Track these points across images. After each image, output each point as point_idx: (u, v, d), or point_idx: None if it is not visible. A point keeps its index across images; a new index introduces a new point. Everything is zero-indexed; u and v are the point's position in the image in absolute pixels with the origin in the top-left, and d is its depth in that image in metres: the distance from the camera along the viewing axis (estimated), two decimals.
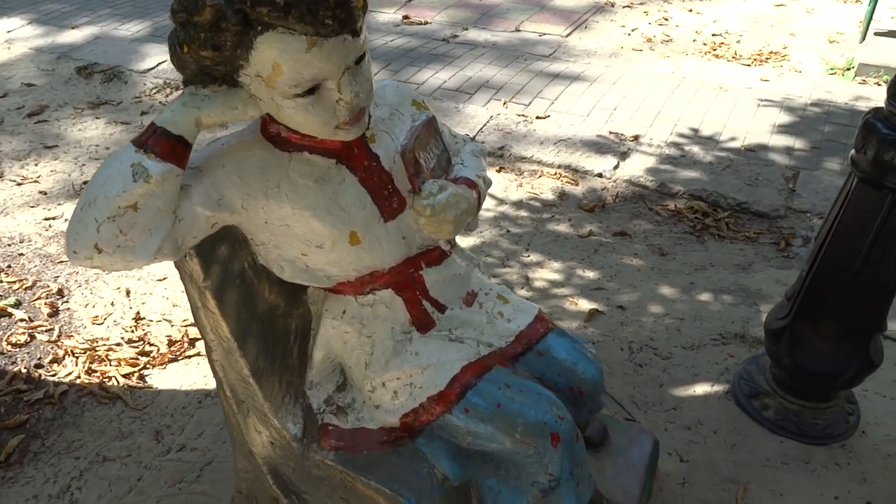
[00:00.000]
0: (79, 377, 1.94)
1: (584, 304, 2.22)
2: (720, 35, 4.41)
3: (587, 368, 1.20)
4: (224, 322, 1.09)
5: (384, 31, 4.48)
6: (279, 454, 1.25)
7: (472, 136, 3.26)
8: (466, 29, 4.53)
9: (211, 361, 1.19)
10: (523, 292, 2.29)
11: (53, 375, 1.94)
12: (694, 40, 4.35)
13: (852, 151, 1.38)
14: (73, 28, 4.58)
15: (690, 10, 4.85)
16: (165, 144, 0.88)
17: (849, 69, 3.83)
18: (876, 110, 1.34)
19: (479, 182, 1.15)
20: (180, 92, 0.93)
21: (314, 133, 0.97)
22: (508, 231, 2.64)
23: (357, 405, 1.21)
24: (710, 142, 3.17)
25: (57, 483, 1.65)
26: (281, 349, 1.21)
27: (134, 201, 0.87)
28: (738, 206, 2.74)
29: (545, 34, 4.44)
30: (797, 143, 3.14)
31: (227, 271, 1.09)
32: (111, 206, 0.86)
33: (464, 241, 2.55)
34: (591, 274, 2.38)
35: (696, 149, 3.11)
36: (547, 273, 2.39)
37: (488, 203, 2.79)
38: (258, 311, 1.16)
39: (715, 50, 4.15)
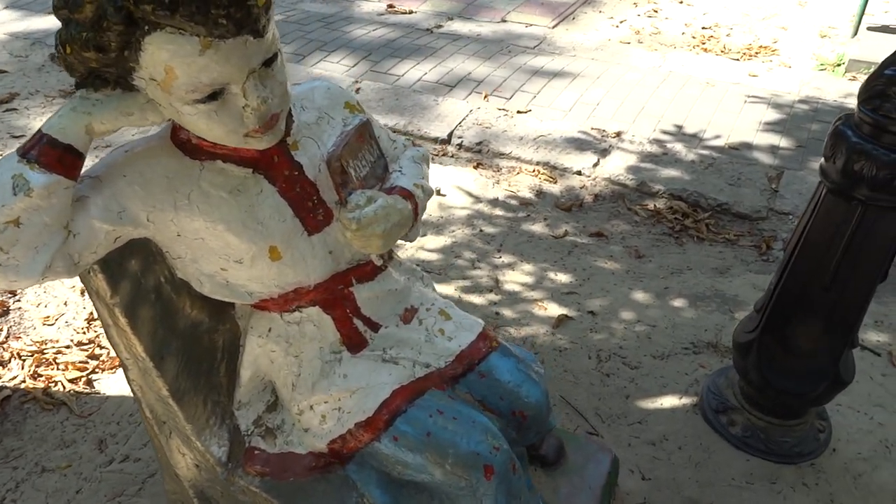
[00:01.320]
0: (24, 381, 1.86)
1: (554, 309, 2.15)
2: (710, 28, 4.31)
3: (531, 391, 1.13)
4: (137, 341, 1.02)
5: (366, 20, 4.37)
6: (205, 477, 1.18)
7: (450, 130, 3.17)
8: (451, 19, 4.43)
9: (128, 380, 1.12)
10: (491, 296, 2.21)
11: None
12: (683, 33, 4.25)
13: (822, 160, 1.30)
14: (49, 13, 4.46)
15: (681, 2, 4.75)
16: (51, 154, 0.80)
17: (839, 65, 3.75)
18: (847, 116, 1.26)
19: (415, 192, 1.07)
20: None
21: (221, 141, 0.89)
22: (481, 231, 2.56)
23: (286, 427, 1.14)
24: (693, 139, 3.09)
25: None
26: (206, 367, 1.14)
27: (15, 216, 0.79)
28: (718, 206, 2.66)
29: (531, 25, 4.34)
30: (783, 142, 3.06)
31: (140, 287, 1.01)
32: None
33: (433, 241, 2.47)
34: (563, 277, 2.31)
35: (678, 146, 3.03)
36: (518, 275, 2.32)
37: (462, 201, 2.72)
38: (178, 327, 1.09)
39: (704, 43, 4.06)
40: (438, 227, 2.56)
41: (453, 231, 2.55)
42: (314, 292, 1.04)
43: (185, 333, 1.10)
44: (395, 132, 3.34)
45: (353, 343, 1.09)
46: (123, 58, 0.77)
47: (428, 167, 1.19)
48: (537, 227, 2.59)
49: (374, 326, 1.10)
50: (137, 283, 1.01)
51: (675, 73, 3.68)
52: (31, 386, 1.85)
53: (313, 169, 0.99)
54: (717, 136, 3.11)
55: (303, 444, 1.11)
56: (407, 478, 1.04)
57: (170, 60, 0.77)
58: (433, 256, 2.41)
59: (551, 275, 2.32)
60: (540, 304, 2.18)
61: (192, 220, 0.94)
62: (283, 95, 0.88)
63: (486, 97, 3.45)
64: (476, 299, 2.20)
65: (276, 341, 1.08)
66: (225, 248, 0.96)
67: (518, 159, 3.01)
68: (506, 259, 2.40)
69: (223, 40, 0.76)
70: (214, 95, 0.81)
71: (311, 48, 3.97)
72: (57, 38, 0.78)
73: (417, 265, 2.34)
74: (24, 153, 0.80)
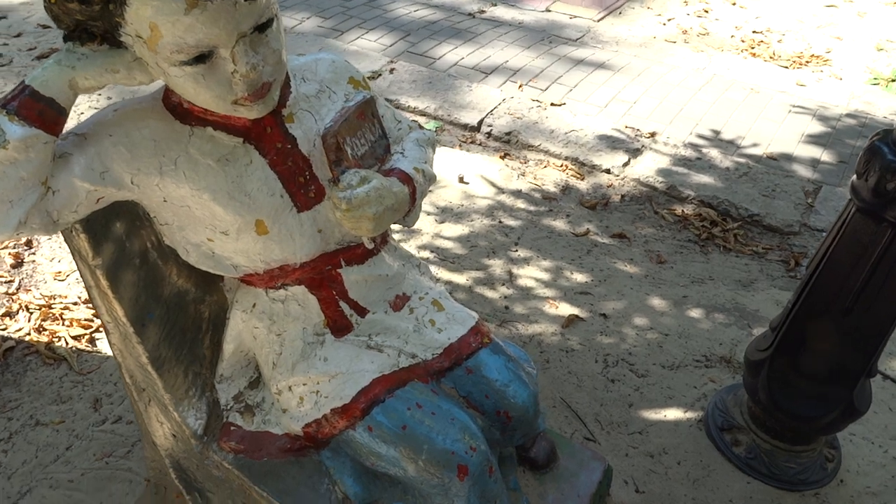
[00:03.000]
0: (28, 334, 1.88)
1: (565, 308, 2.09)
2: (761, 33, 4.15)
3: (518, 392, 1.08)
4: (118, 305, 1.00)
5: None
6: (180, 448, 1.16)
7: (481, 118, 3.11)
8: (495, 5, 4.35)
9: (110, 344, 1.10)
10: (504, 289, 2.16)
11: (3, 330, 1.89)
12: (732, 36, 4.10)
13: (853, 177, 1.22)
14: None
15: (734, 4, 4.59)
16: (32, 106, 0.78)
17: (893, 80, 3.57)
18: (886, 132, 1.18)
19: (415, 176, 1.03)
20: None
21: (208, 107, 0.85)
22: (501, 222, 2.51)
23: (266, 406, 1.11)
24: (730, 146, 2.98)
25: None
26: (190, 338, 1.12)
27: None
28: (749, 217, 2.56)
29: (576, 17, 4.23)
30: (824, 156, 2.94)
31: (124, 250, 0.99)
32: None
33: (451, 229, 2.43)
34: (579, 276, 2.25)
35: (714, 152, 2.92)
36: (533, 271, 2.26)
37: (485, 191, 2.66)
38: (163, 295, 1.06)
39: (753, 48, 3.91)
40: (458, 215, 2.51)
41: (472, 220, 2.50)
42: (300, 271, 1.00)
43: (170, 301, 1.08)
44: (424, 116, 3.30)
45: (338, 326, 1.05)
46: (108, 11, 0.75)
47: (433, 151, 1.14)
48: (558, 223, 2.52)
49: (361, 311, 1.06)
50: (122, 247, 0.99)
51: (718, 76, 3.55)
52: (34, 339, 1.87)
53: (308, 143, 0.96)
54: (756, 145, 2.99)
55: (279, 424, 1.08)
56: (380, 470, 1.00)
57: (154, 17, 0.74)
58: (449, 244, 2.36)
59: (567, 273, 2.26)
60: (552, 301, 2.12)
61: (177, 187, 0.91)
62: (277, 64, 0.84)
63: (520, 87, 3.37)
64: (488, 291, 2.16)
65: (259, 318, 1.06)
66: (211, 219, 0.93)
67: (546, 152, 2.95)
68: (522, 253, 2.35)
69: (210, 0, 0.73)
70: (202, 58, 0.78)
71: (350, 24, 3.94)
72: None
73: (433, 252, 2.31)
74: (4, 104, 0.78)
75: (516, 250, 2.36)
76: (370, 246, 1.04)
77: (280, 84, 0.88)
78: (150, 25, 0.75)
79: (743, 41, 4.03)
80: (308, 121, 0.96)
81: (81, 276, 1.01)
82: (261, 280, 1.02)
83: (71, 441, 1.62)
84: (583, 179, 2.80)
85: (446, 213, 2.52)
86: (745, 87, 3.46)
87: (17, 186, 0.79)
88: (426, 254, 2.30)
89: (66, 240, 0.96)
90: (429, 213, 2.51)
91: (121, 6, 0.74)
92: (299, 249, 0.98)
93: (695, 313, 2.10)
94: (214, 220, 0.94)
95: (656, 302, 2.15)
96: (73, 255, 0.98)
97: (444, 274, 2.21)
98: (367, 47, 3.68)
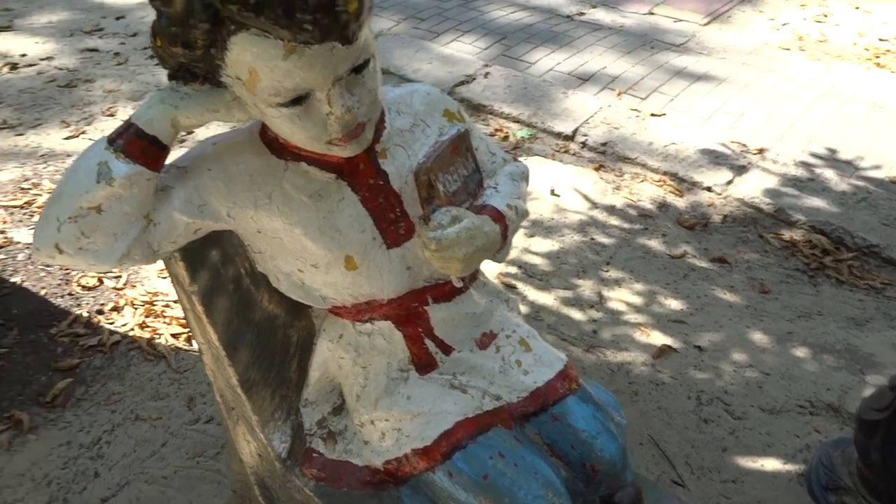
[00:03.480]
0: (132, 329, 1.98)
1: (657, 337, 2.00)
2: (888, 40, 3.83)
3: (606, 445, 1.03)
4: (212, 329, 1.02)
5: (507, 1, 4.26)
6: (265, 468, 1.18)
7: (576, 127, 3.03)
8: (595, 7, 4.22)
9: (203, 363, 1.13)
10: (592, 312, 2.09)
11: (111, 324, 2.00)
12: (854, 44, 3.80)
13: None
14: None
15: (857, 8, 4.25)
16: (136, 144, 0.80)
17: None
18: None
19: (507, 213, 0.99)
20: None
21: (303, 146, 0.85)
22: (593, 239, 2.43)
23: (348, 434, 1.11)
24: (847, 167, 2.76)
25: (90, 433, 1.69)
26: (278, 361, 1.13)
27: (97, 203, 0.80)
28: (867, 247, 2.36)
29: (680, 21, 4.05)
30: None
31: (219, 276, 1.01)
32: (73, 206, 0.79)
33: (541, 244, 2.37)
34: (673, 303, 2.14)
35: (829, 173, 2.71)
36: (624, 293, 2.18)
37: (577, 204, 2.59)
38: (254, 319, 1.08)
39: (878, 58, 3.61)
40: (548, 230, 2.45)
41: (563, 236, 2.43)
42: (387, 306, 0.99)
43: (261, 326, 1.09)
44: (517, 123, 3.25)
45: (423, 363, 1.03)
46: (210, 55, 0.75)
47: (527, 185, 1.10)
48: (654, 243, 2.42)
49: (447, 349, 1.04)
50: (217, 273, 1.01)
51: (837, 88, 3.30)
52: (137, 335, 1.97)
53: (400, 179, 0.94)
54: (878, 167, 2.75)
55: (361, 455, 1.08)
56: None
57: (253, 62, 0.74)
58: (538, 260, 2.31)
59: (661, 298, 2.16)
60: (643, 328, 2.03)
61: (271, 220, 0.91)
62: (373, 104, 0.83)
63: (619, 95, 3.26)
64: (575, 313, 2.09)
65: (345, 349, 1.05)
66: (301, 252, 0.94)
67: (644, 166, 2.83)
68: (614, 273, 2.26)
69: (308, 46, 0.72)
70: (298, 100, 0.77)
71: (445, 27, 3.93)
72: (151, 30, 0.77)
73: (520, 267, 2.26)
74: (111, 140, 0.80)
75: (607, 270, 2.28)
76: (458, 285, 1.01)
77: (375, 123, 0.87)
78: (250, 70, 0.75)
79: (866, 49, 3.72)
80: (401, 156, 0.95)
81: (178, 299, 1.04)
82: (348, 312, 1.01)
83: (166, 438, 1.69)
84: (681, 197, 2.67)
85: (536, 227, 2.47)
86: (868, 101, 3.19)
87: (121, 221, 0.82)
88: (513, 269, 2.26)
89: (165, 265, 0.99)
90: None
91: (222, 51, 0.74)
92: (387, 286, 0.97)
93: (800, 352, 1.96)
94: (305, 253, 0.94)
95: (757, 336, 2.01)
96: (171, 279, 1.01)
97: (531, 292, 2.16)
98: (462, 50, 3.67)
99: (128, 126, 0.80)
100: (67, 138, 2.91)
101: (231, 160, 0.89)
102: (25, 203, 2.45)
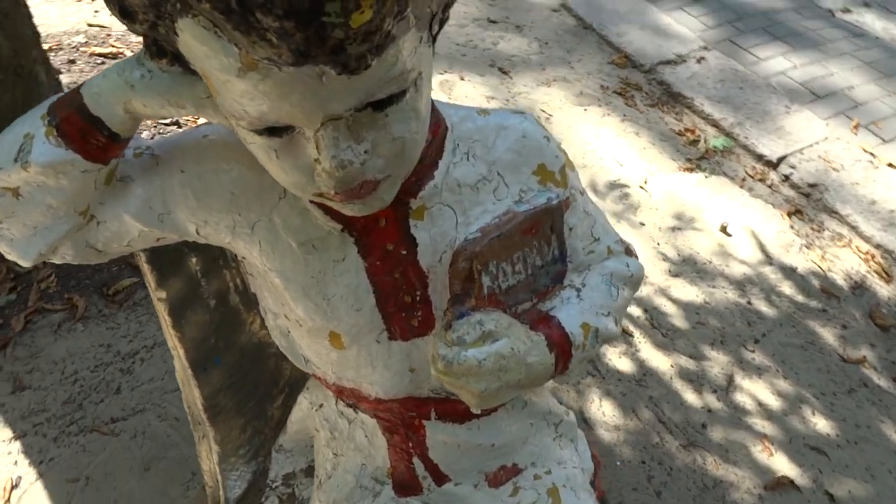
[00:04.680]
0: None
1: (780, 463, 1.57)
2: None
3: None
4: (179, 343, 0.82)
5: None
6: (213, 497, 1.00)
7: (784, 153, 2.47)
8: (868, 6, 3.41)
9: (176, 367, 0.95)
10: (711, 399, 1.69)
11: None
12: None
13: None
14: None
15: None
16: (75, 123, 0.56)
17: None
18: None
19: (577, 339, 0.66)
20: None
21: (286, 187, 0.58)
22: (750, 303, 1.96)
23: None
24: None
25: (131, 343, 1.64)
26: (262, 392, 0.93)
27: (14, 185, 0.59)
28: None
29: None
30: None
31: (197, 289, 0.80)
32: None
33: (681, 287, 1.96)
34: (821, 423, 1.67)
35: None
36: (762, 388, 1.73)
37: (747, 251, 2.11)
38: (238, 342, 0.87)
39: None
40: (700, 274, 2.02)
41: (715, 287, 1.99)
42: (376, 404, 0.73)
43: (246, 350, 0.88)
44: (716, 128, 2.71)
45: (403, 484, 0.77)
46: (160, 34, 0.49)
47: (632, 293, 0.76)
48: (827, 334, 1.91)
49: (440, 478, 0.76)
50: (195, 285, 0.80)
51: None
52: None
53: (432, 254, 0.64)
54: None
55: None
56: None
57: (203, 64, 0.47)
58: (672, 309, 1.91)
59: (807, 411, 1.69)
60: (767, 444, 1.60)
61: (249, 253, 0.67)
62: (397, 157, 0.53)
63: (855, 127, 2.61)
64: (689, 394, 1.70)
65: (321, 424, 0.81)
66: (283, 300, 0.69)
67: (853, 228, 2.25)
68: (759, 357, 1.81)
69: (276, 67, 0.44)
70: (276, 130, 0.50)
71: None
72: None
73: (646, 311, 1.88)
74: (50, 108, 0.58)
75: (753, 350, 1.83)
76: (476, 411, 0.72)
77: (401, 180, 0.57)
78: (202, 72, 0.48)
79: None
80: (446, 222, 0.65)
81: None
82: (330, 388, 0.76)
83: None
84: (888, 283, 2.09)
85: (686, 265, 2.04)
86: None
87: (44, 213, 0.61)
88: (637, 311, 1.88)
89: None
90: (665, 258, 2.05)
91: (172, 33, 0.48)
92: (378, 383, 0.70)
93: None
94: (286, 306, 0.69)
95: None
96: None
97: (646, 348, 1.79)
98: (683, 22, 3.12)
99: (74, 94, 0.57)
100: None
101: (214, 166, 0.64)
102: None
